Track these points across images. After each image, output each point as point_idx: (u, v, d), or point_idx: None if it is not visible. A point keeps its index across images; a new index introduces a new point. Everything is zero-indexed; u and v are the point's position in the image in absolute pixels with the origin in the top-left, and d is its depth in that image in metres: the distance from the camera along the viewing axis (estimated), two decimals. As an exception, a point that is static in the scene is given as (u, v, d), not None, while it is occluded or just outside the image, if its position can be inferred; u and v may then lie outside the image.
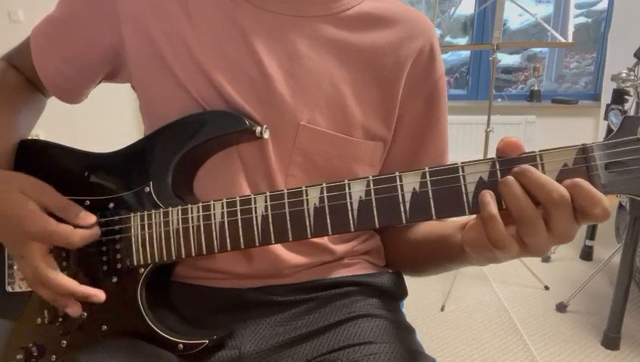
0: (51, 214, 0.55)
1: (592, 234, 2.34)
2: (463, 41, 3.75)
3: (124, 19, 0.60)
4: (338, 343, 0.56)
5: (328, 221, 0.48)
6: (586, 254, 2.37)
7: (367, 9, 0.63)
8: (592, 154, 0.41)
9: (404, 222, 0.46)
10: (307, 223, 0.49)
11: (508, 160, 0.43)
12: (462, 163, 0.45)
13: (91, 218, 0.56)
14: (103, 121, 2.60)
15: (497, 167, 0.43)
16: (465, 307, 1.98)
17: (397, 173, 0.46)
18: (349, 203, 0.47)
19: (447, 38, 3.30)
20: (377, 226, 0.47)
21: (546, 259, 2.35)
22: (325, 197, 0.48)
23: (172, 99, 0.59)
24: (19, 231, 0.54)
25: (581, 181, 0.40)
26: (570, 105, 3.19)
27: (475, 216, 0.50)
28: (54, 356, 0.59)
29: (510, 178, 0.42)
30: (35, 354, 0.59)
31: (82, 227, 0.55)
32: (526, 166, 0.42)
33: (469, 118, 3.09)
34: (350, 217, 0.47)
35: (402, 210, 0.46)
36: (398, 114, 0.65)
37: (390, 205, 0.46)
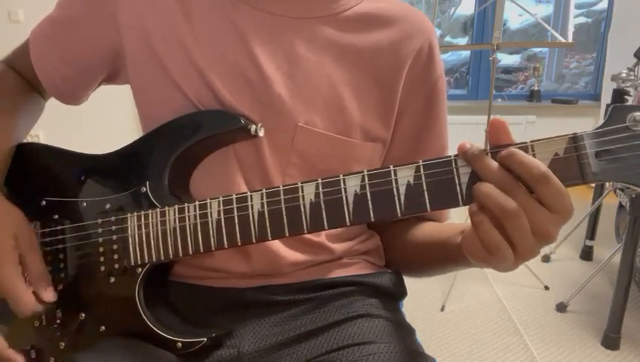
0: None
1: (592, 234, 2.33)
2: (463, 41, 3.76)
3: (123, 20, 0.60)
4: (337, 343, 0.56)
5: (324, 215, 0.48)
6: (586, 254, 2.37)
7: (365, 9, 0.63)
8: (582, 143, 0.42)
9: (399, 214, 0.46)
10: (303, 218, 0.49)
11: (499, 151, 0.43)
12: (455, 155, 0.45)
13: (54, 297, 0.57)
14: (103, 121, 2.60)
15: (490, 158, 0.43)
16: (465, 307, 1.97)
17: (391, 167, 0.46)
18: (344, 197, 0.47)
19: (447, 38, 3.30)
20: (373, 219, 0.47)
21: (546, 259, 2.35)
22: (321, 193, 0.48)
23: (168, 101, 0.59)
24: None
25: (515, 150, 0.41)
26: (570, 105, 3.19)
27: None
28: (53, 358, 0.58)
29: (478, 183, 0.43)
30: (34, 356, 0.59)
31: (42, 299, 0.56)
32: (511, 148, 0.42)
33: (469, 118, 3.09)
34: (346, 211, 0.47)
35: (397, 202, 0.46)
36: (398, 113, 0.65)
37: (385, 198, 0.46)
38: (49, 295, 0.57)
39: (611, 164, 0.41)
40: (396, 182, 0.46)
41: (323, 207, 0.48)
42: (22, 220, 0.58)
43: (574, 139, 0.42)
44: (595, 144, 0.41)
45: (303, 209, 0.49)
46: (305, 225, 0.49)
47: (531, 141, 0.43)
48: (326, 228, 0.48)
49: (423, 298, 2.03)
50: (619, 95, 2.04)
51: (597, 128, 0.42)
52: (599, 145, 0.41)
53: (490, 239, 0.42)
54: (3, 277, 0.53)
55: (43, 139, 0.65)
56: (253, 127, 0.57)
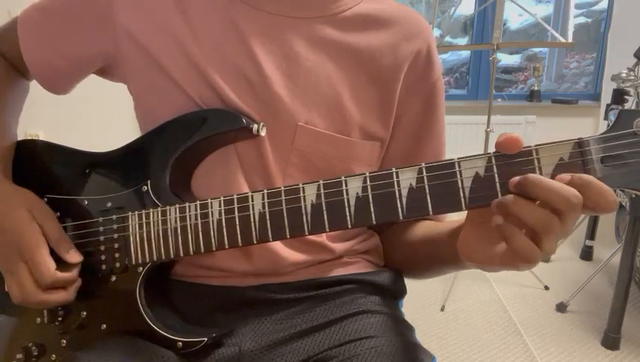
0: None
1: (592, 234, 2.33)
2: (463, 41, 3.76)
3: (119, 20, 0.60)
4: (339, 339, 0.56)
5: (325, 217, 0.48)
6: (586, 254, 2.37)
7: (364, 10, 0.63)
8: (587, 148, 0.41)
9: (400, 218, 0.46)
10: (304, 220, 0.49)
11: (504, 155, 0.43)
12: (458, 158, 0.44)
13: (78, 257, 0.57)
14: (102, 120, 2.60)
15: (494, 162, 0.43)
16: (465, 307, 1.98)
17: (394, 169, 0.46)
18: (345, 199, 0.47)
19: (447, 38, 3.30)
20: (374, 222, 0.47)
21: (546, 259, 2.35)
22: (322, 194, 0.48)
23: (169, 100, 0.59)
24: (14, 247, 0.54)
25: (590, 179, 0.40)
26: (570, 105, 3.18)
27: (462, 222, 0.50)
28: (54, 355, 0.59)
29: (515, 197, 0.41)
30: (35, 353, 0.59)
31: (68, 262, 0.56)
32: (532, 176, 0.41)
33: (469, 118, 3.08)
34: (347, 213, 0.47)
35: (399, 205, 0.46)
36: (396, 115, 0.65)
37: (387, 201, 0.46)
38: (73, 256, 0.57)
39: (617, 170, 0.41)
40: (398, 185, 0.46)
41: (324, 208, 0.48)
42: (32, 195, 0.59)
43: (580, 144, 0.41)
44: (601, 149, 0.41)
45: (304, 210, 0.49)
46: (306, 226, 0.49)
47: (536, 145, 0.42)
48: (327, 230, 0.48)
49: (423, 298, 2.03)
50: (619, 95, 2.04)
51: (603, 133, 0.41)
52: (605, 150, 0.41)
53: (525, 249, 0.41)
54: (26, 245, 0.54)
55: (42, 139, 0.65)
56: (255, 127, 0.57)
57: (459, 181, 0.44)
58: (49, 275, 0.54)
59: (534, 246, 0.41)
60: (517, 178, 0.41)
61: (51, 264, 0.55)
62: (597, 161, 0.41)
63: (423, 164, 0.45)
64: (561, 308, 1.93)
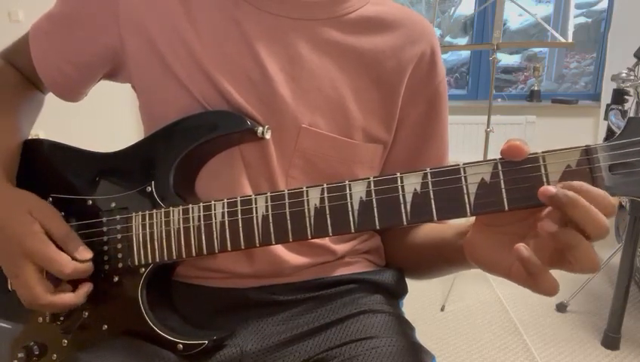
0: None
1: (592, 234, 2.33)
2: (463, 41, 3.76)
3: (125, 19, 0.60)
4: (340, 339, 0.57)
5: (329, 222, 0.48)
6: (586, 254, 2.36)
7: (368, 13, 0.63)
8: (595, 156, 0.40)
9: (404, 223, 0.45)
10: (307, 224, 0.48)
11: (510, 161, 0.42)
12: (464, 164, 0.44)
13: (88, 254, 0.56)
14: (102, 120, 2.60)
15: (500, 168, 0.43)
16: (465, 307, 1.98)
17: (398, 174, 0.46)
18: (349, 203, 0.47)
19: (447, 38, 3.30)
20: (378, 227, 0.46)
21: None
22: (326, 198, 0.48)
23: (173, 100, 0.59)
24: (17, 251, 0.54)
25: (584, 185, 0.39)
26: (570, 105, 3.18)
27: (471, 223, 0.50)
28: (55, 355, 0.59)
29: (569, 230, 0.39)
30: (37, 352, 0.59)
31: (77, 260, 0.55)
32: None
33: (469, 118, 3.08)
34: (351, 218, 0.47)
35: (403, 211, 0.45)
36: (399, 117, 0.65)
37: (391, 206, 0.46)
38: (83, 253, 0.56)
39: (625, 178, 0.40)
40: (402, 190, 0.45)
41: (328, 212, 0.48)
42: (32, 197, 0.58)
43: (587, 152, 0.41)
44: (609, 157, 0.40)
45: (307, 214, 0.48)
46: (309, 230, 0.48)
47: (543, 152, 0.42)
48: (330, 234, 0.48)
49: (423, 298, 2.03)
50: (619, 95, 2.04)
51: (611, 140, 0.40)
52: (613, 158, 0.40)
53: (549, 287, 0.42)
54: (30, 247, 0.54)
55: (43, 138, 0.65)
56: (260, 129, 0.57)
57: (464, 187, 0.44)
58: (68, 266, 0.54)
59: (557, 284, 0.41)
60: (550, 188, 0.39)
61: (66, 255, 0.54)
62: (605, 168, 0.40)
63: (428, 169, 0.45)
64: (561, 308, 1.93)
